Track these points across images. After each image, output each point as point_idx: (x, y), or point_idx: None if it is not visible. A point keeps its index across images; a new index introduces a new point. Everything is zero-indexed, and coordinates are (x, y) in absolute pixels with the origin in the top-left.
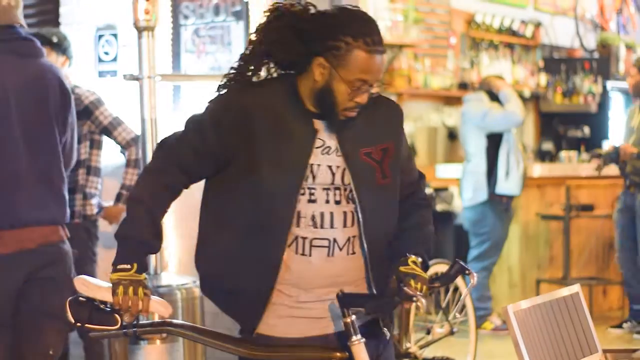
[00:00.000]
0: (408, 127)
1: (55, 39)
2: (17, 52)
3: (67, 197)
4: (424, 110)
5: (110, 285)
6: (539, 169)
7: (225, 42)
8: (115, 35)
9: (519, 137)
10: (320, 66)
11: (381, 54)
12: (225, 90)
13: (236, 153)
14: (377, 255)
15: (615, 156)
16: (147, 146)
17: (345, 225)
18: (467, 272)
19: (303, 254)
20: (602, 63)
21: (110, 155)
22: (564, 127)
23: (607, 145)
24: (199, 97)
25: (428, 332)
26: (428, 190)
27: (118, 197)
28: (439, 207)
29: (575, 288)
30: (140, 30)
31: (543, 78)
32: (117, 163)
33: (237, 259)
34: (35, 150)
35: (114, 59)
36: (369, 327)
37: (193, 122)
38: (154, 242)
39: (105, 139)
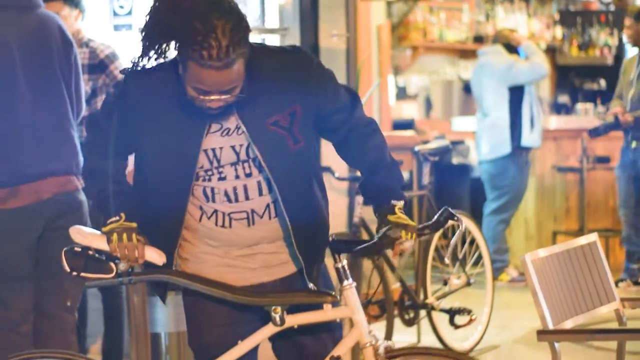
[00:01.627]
0: (423, 80)
1: None
2: (15, 6)
3: (79, 146)
4: (439, 64)
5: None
6: (555, 122)
7: None
8: None
9: (535, 90)
10: (180, 62)
11: (218, 69)
12: (124, 77)
13: (134, 140)
14: (298, 217)
15: (616, 124)
16: None
17: (261, 194)
18: (455, 218)
19: (223, 226)
20: (618, 15)
21: None
22: (580, 80)
23: (608, 112)
24: None
25: (445, 284)
26: (444, 142)
27: None
28: (455, 160)
29: (593, 237)
30: None
31: (559, 31)
32: None
33: (146, 226)
34: (43, 102)
35: (129, 13)
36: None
37: (102, 107)
38: (128, 189)
39: None
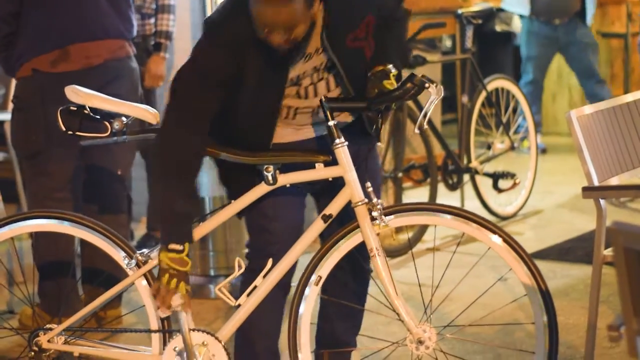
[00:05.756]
0: None
1: None
2: None
3: (132, 16)
4: None
5: (99, 94)
6: None
7: None
8: None
9: None
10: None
11: (275, 5)
12: (211, 29)
13: (232, 79)
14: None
15: None
16: None
17: (329, 91)
18: (427, 86)
19: (286, 118)
20: None
21: None
22: None
23: None
24: None
25: (489, 148)
26: (487, 5)
27: (157, 46)
28: (499, 27)
29: (639, 94)
30: None
31: None
32: None
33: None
34: None
35: None
36: (354, 128)
37: (190, 73)
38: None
39: None
